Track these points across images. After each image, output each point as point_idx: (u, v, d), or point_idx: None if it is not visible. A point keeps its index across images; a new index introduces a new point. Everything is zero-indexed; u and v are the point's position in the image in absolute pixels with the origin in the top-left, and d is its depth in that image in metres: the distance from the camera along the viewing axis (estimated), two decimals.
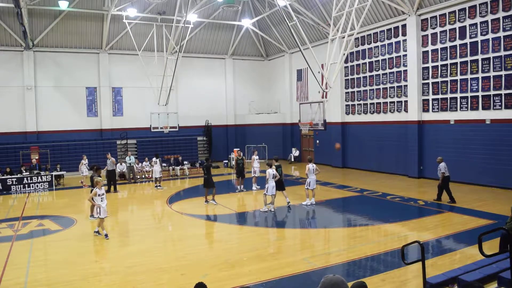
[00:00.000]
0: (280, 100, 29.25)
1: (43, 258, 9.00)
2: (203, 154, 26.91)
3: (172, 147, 24.87)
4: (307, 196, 13.79)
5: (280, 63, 29.07)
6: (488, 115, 15.55)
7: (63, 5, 20.64)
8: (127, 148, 24.12)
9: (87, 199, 11.51)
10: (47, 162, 20.86)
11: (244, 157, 18.01)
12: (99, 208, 10.43)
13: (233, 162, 21.54)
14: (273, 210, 12.73)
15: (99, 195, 10.52)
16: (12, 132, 22.88)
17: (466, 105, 16.35)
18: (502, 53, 14.82)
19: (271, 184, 12.65)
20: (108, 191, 16.84)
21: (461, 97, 16.53)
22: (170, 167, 22.84)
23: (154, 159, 19.17)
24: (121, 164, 20.85)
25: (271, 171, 12.78)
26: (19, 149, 21.29)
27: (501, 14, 14.82)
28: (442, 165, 13.19)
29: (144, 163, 21.73)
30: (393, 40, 19.54)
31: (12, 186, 18.20)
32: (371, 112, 21.24)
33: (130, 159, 20.53)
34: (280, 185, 13.33)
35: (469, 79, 16.11)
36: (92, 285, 7.28)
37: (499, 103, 15.09)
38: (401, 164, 19.33)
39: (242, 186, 16.78)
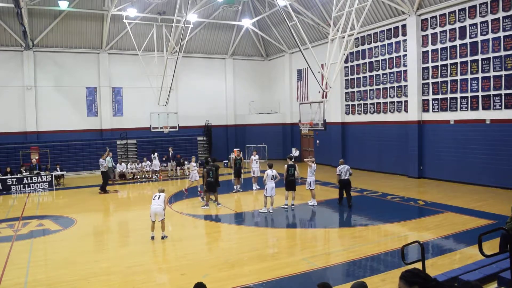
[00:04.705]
0: (280, 100, 29.25)
1: (43, 258, 9.01)
2: (203, 154, 26.91)
3: (172, 147, 24.86)
4: (312, 196, 13.74)
5: (280, 63, 29.07)
6: (488, 115, 15.55)
7: (63, 5, 20.64)
8: (127, 148, 24.14)
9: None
10: (47, 162, 20.85)
11: (242, 157, 18.03)
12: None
13: (232, 162, 21.53)
14: (271, 211, 12.71)
15: None
16: (12, 132, 22.87)
17: (466, 105, 16.35)
18: (502, 53, 14.81)
19: (269, 185, 12.59)
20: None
21: (461, 97, 16.52)
22: (169, 163, 22.63)
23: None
24: (120, 164, 21.07)
25: (270, 172, 12.70)
26: (19, 149, 21.28)
27: (501, 14, 14.82)
28: (339, 168, 13.03)
29: (143, 163, 21.74)
30: (393, 40, 19.53)
31: (12, 186, 18.19)
32: (371, 112, 21.23)
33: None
34: (291, 185, 13.16)
35: (469, 79, 16.10)
36: (92, 285, 7.27)
37: (499, 103, 15.08)
38: (401, 164, 19.32)
39: (239, 186, 16.78)
